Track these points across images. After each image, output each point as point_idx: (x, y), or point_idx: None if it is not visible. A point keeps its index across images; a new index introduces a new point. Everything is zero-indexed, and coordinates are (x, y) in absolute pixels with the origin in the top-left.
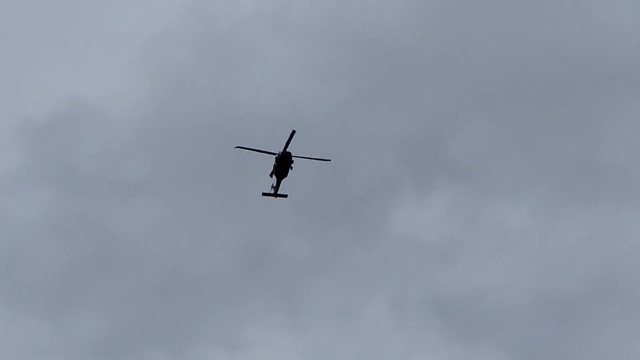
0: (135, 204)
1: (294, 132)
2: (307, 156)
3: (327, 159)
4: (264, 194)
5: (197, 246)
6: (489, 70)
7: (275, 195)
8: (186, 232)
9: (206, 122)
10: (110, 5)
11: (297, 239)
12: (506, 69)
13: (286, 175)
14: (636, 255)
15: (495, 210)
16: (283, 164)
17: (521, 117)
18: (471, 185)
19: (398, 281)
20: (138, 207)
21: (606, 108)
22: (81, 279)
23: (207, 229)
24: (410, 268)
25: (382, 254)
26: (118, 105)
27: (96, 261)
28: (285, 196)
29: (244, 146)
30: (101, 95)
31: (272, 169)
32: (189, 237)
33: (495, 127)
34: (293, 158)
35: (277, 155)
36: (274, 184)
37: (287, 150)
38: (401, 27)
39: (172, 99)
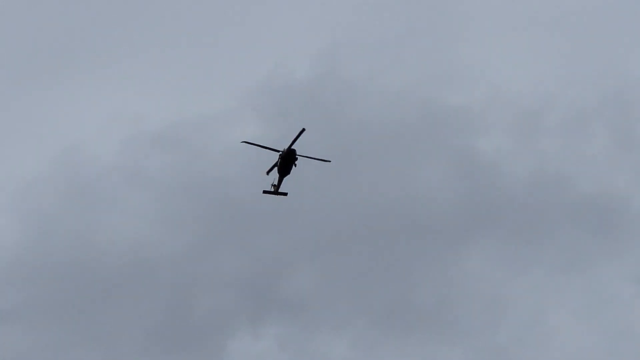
0: None
1: (303, 129)
2: (310, 155)
3: (328, 160)
4: (264, 192)
5: None
6: (319, 223)
7: (276, 193)
8: None
9: (69, 262)
10: None
11: None
12: (335, 220)
13: (289, 173)
14: None
15: (321, 343)
16: (287, 161)
17: (345, 262)
18: (300, 320)
19: None
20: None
21: (420, 257)
22: None
23: None
24: None
25: None
26: None
27: None
28: (286, 194)
29: (250, 141)
30: None
31: (271, 166)
32: None
33: (323, 270)
34: (297, 156)
35: (281, 153)
36: (275, 182)
37: (293, 147)
38: (241, 180)
39: (38, 242)
